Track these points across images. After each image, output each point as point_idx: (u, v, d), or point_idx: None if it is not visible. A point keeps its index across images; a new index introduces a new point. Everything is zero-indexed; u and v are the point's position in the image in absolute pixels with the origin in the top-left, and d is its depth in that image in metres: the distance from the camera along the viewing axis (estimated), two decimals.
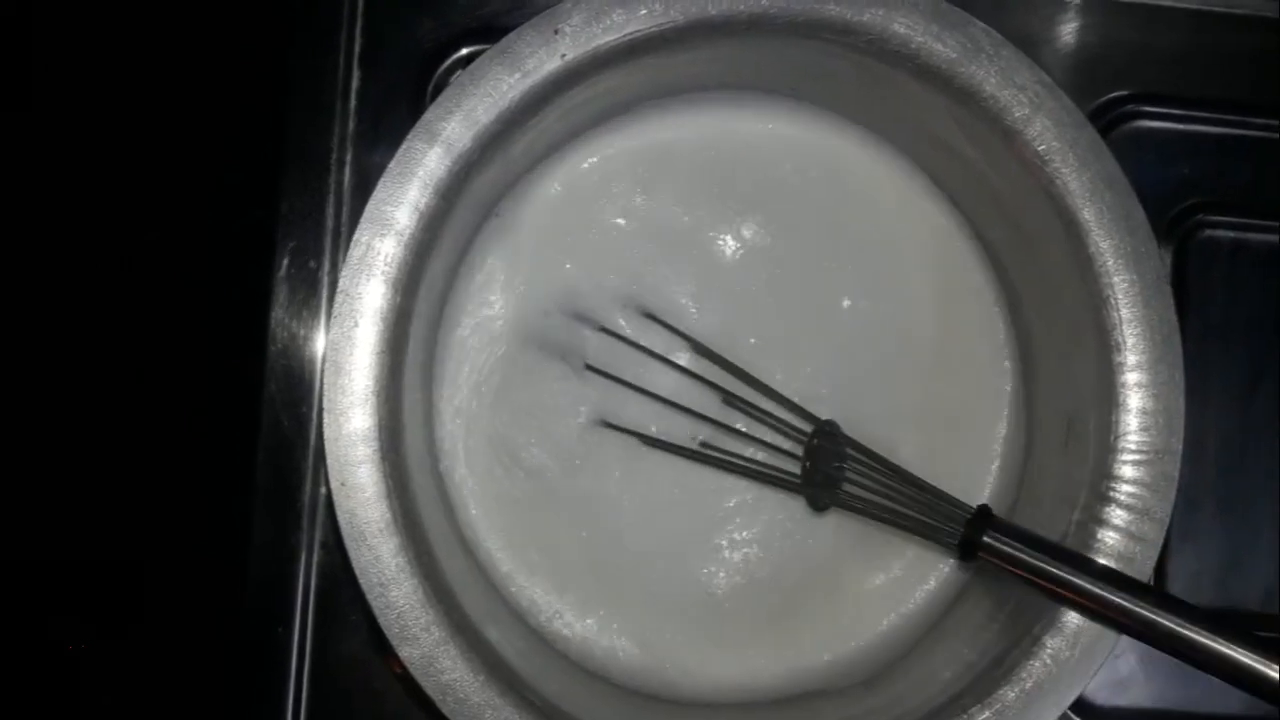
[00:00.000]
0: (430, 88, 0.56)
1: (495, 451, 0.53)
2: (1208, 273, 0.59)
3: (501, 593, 0.53)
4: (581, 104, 0.49)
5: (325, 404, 0.46)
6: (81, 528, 0.58)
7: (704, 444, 0.53)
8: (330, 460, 0.46)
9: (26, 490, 0.58)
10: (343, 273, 0.46)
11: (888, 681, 0.52)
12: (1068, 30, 0.59)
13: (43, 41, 0.59)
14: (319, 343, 0.55)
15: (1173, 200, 0.59)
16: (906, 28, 0.47)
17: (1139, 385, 0.47)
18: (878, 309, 0.55)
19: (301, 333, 0.55)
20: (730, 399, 0.53)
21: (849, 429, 0.52)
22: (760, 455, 0.53)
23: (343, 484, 0.45)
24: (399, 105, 0.56)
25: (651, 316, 0.53)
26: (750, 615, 0.54)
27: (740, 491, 0.54)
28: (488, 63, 0.46)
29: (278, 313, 0.55)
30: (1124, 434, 0.47)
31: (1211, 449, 0.58)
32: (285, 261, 0.55)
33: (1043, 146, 0.48)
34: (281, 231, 0.56)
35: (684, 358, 0.54)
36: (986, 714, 0.47)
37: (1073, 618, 0.47)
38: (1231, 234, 0.59)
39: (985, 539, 0.46)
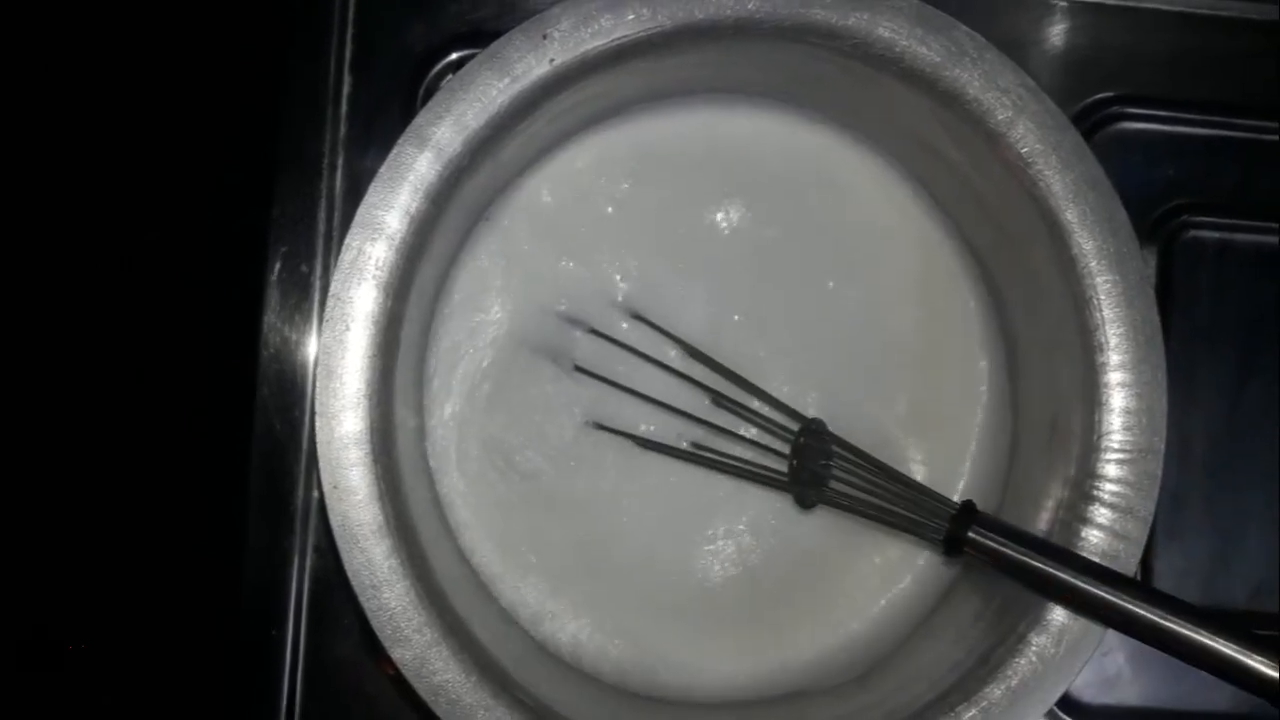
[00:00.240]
0: (421, 92, 0.57)
1: (488, 454, 0.54)
2: (1193, 274, 0.60)
3: (494, 594, 0.53)
4: (570, 108, 0.50)
5: (317, 408, 0.46)
6: (76, 530, 0.58)
7: (694, 444, 0.54)
8: (322, 463, 0.46)
9: (23, 492, 0.58)
10: (334, 277, 0.46)
11: (876, 679, 0.52)
12: (1054, 32, 0.59)
13: (39, 47, 0.59)
14: (311, 347, 0.55)
15: (1158, 201, 0.59)
16: (891, 32, 0.48)
17: (1122, 385, 0.48)
18: (862, 309, 0.55)
19: (293, 336, 0.55)
20: (719, 399, 0.53)
21: (835, 427, 0.52)
22: (749, 454, 0.54)
23: (335, 487, 0.46)
24: (390, 110, 0.57)
25: (641, 318, 0.54)
26: (740, 615, 0.54)
27: (730, 491, 0.54)
28: (477, 68, 0.47)
29: (270, 317, 0.56)
30: (1107, 433, 0.48)
31: (1198, 449, 0.59)
32: (277, 265, 0.56)
33: (1026, 149, 0.48)
34: (273, 236, 0.56)
35: (674, 357, 0.54)
36: (973, 712, 0.47)
37: (1058, 615, 0.47)
38: (1217, 235, 0.60)
39: (970, 534, 0.47)
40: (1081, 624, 0.47)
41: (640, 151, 0.54)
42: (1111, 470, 0.48)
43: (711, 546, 0.55)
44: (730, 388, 0.53)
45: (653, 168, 0.54)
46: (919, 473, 0.54)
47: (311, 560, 0.55)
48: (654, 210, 0.55)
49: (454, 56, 0.57)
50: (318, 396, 0.46)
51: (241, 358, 0.56)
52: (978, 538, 0.47)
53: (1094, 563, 0.46)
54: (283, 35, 0.57)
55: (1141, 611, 0.44)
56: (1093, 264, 0.48)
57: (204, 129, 0.59)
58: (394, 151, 0.46)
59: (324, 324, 0.46)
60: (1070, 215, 0.48)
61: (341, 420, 0.46)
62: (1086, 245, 0.48)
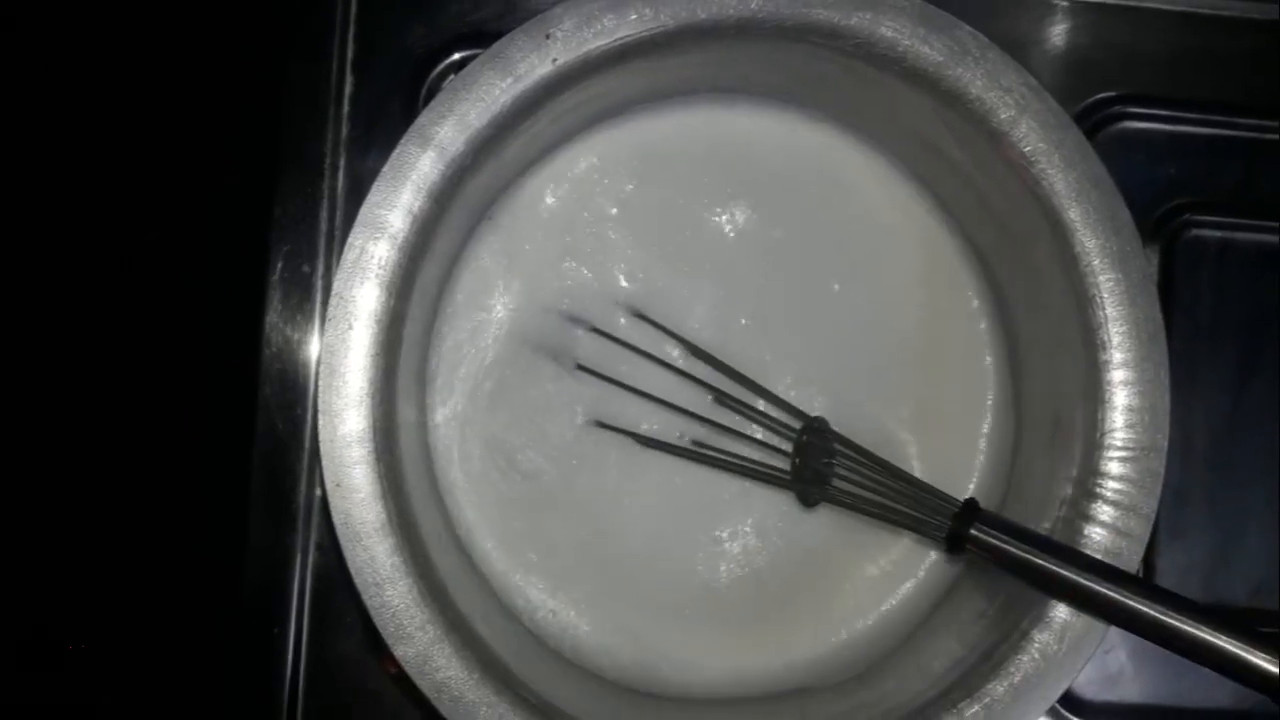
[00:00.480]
0: (423, 93, 0.57)
1: (490, 453, 0.54)
2: (1195, 272, 0.60)
3: (496, 592, 0.53)
4: (573, 107, 0.50)
5: (320, 406, 0.46)
6: (78, 530, 0.58)
7: (696, 442, 0.54)
8: (325, 461, 0.46)
9: (25, 492, 0.58)
10: (337, 275, 0.46)
11: (878, 676, 0.52)
12: (1056, 32, 0.59)
13: (39, 48, 0.59)
14: (313, 346, 0.55)
15: (1160, 200, 0.59)
16: (894, 31, 0.48)
17: (1125, 383, 0.48)
18: (865, 308, 0.55)
19: (296, 336, 0.56)
20: (721, 398, 0.53)
21: (837, 425, 0.52)
22: (752, 452, 0.54)
23: (338, 485, 0.46)
24: (392, 110, 0.57)
25: (643, 316, 0.54)
26: (742, 612, 0.55)
27: (732, 489, 0.54)
28: (480, 67, 0.47)
29: (272, 316, 0.56)
30: (1110, 431, 0.48)
31: (1200, 447, 0.59)
32: (279, 265, 0.56)
33: (1029, 147, 0.48)
34: (275, 235, 0.56)
35: (676, 356, 0.54)
36: (975, 708, 0.47)
37: (1060, 612, 0.47)
38: (1219, 234, 0.60)
39: (972, 532, 0.47)
40: (1084, 621, 0.47)
41: (642, 151, 0.54)
42: (1114, 468, 0.48)
43: (715, 547, 0.55)
44: (733, 386, 0.53)
45: (655, 167, 0.55)
46: (921, 471, 0.54)
47: (313, 558, 0.55)
48: (656, 209, 0.55)
49: (456, 57, 0.57)
50: (320, 395, 0.46)
51: (243, 357, 0.56)
52: (980, 535, 0.47)
53: (1097, 560, 0.46)
54: (284, 35, 0.57)
55: (1144, 608, 0.44)
56: (1095, 262, 0.48)
57: (205, 129, 0.59)
58: (397, 151, 0.47)
59: (327, 322, 0.46)
60: (1073, 214, 0.48)
61: (344, 418, 0.46)
62: (1089, 244, 0.48)
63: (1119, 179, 0.49)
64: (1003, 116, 0.48)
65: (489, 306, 0.54)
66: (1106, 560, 0.47)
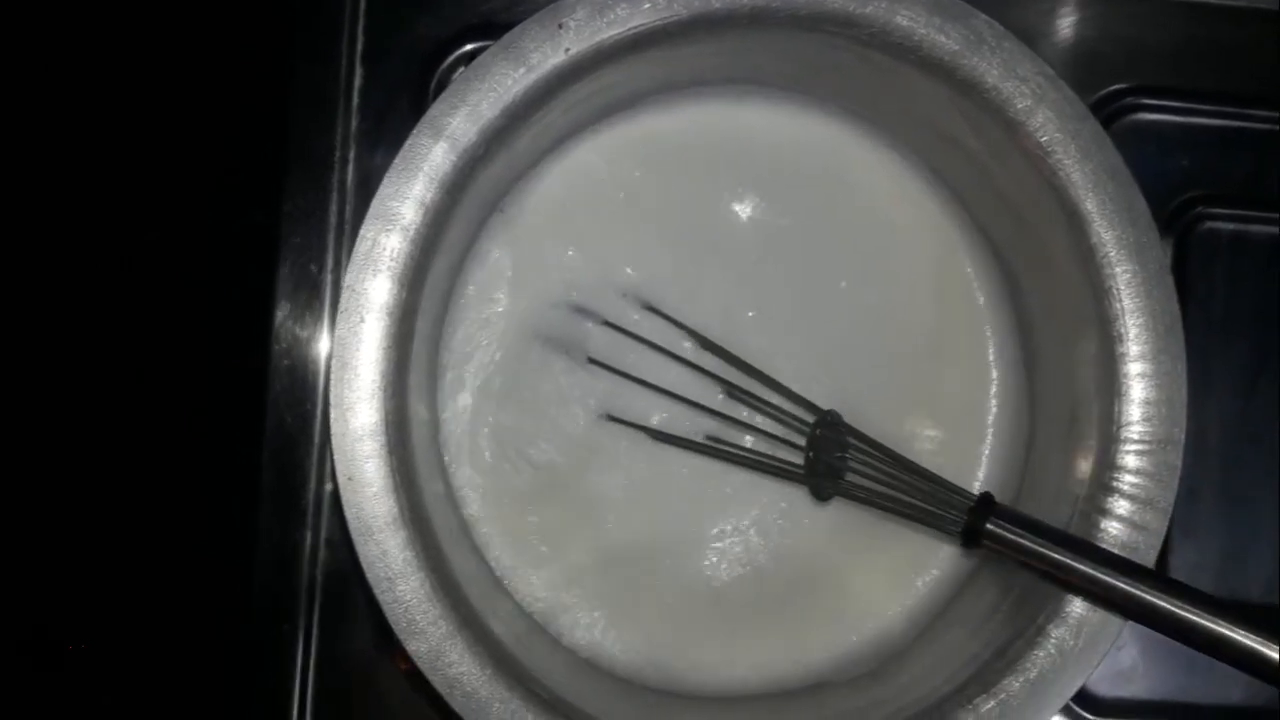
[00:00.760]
0: (433, 85, 0.57)
1: (501, 447, 0.54)
2: (1208, 265, 0.59)
3: (507, 587, 0.53)
4: (585, 98, 0.50)
5: (332, 399, 0.46)
6: (87, 527, 0.58)
7: (708, 436, 0.54)
8: (337, 455, 0.46)
9: (34, 491, 0.58)
10: (348, 268, 0.46)
11: (893, 672, 0.52)
12: (1067, 24, 0.59)
13: (46, 39, 0.59)
14: (323, 340, 0.55)
15: (1173, 193, 0.59)
16: (909, 20, 0.48)
17: (1141, 375, 0.48)
18: (878, 299, 0.55)
19: (305, 331, 0.55)
20: (733, 391, 0.53)
21: (851, 419, 0.52)
22: (764, 446, 0.53)
23: (350, 478, 0.46)
24: (401, 103, 0.56)
25: (654, 310, 0.54)
26: (755, 608, 0.54)
27: (745, 482, 0.54)
28: (492, 58, 0.47)
29: (281, 311, 0.55)
30: (1126, 424, 0.48)
31: (1213, 441, 0.58)
32: (288, 259, 0.56)
33: (1045, 138, 0.48)
34: (285, 230, 0.56)
35: (688, 349, 0.54)
36: (991, 704, 0.47)
37: (1077, 607, 0.47)
38: (1231, 226, 0.60)
39: (988, 526, 0.46)
40: (1100, 616, 0.47)
41: (654, 143, 0.54)
42: (1131, 461, 0.47)
43: (722, 543, 0.54)
44: (744, 379, 0.53)
45: (667, 159, 0.54)
46: (934, 466, 0.53)
47: (323, 555, 0.55)
48: (668, 202, 0.54)
49: (466, 48, 0.57)
50: (332, 388, 0.46)
51: (252, 353, 0.55)
52: (996, 529, 0.46)
53: (1113, 554, 0.46)
54: (292, 28, 0.57)
55: (1161, 603, 0.44)
56: (1112, 253, 0.47)
57: (213, 123, 0.59)
58: (409, 142, 0.46)
59: (338, 315, 0.46)
60: (1089, 204, 0.48)
61: (356, 412, 0.46)
62: (1106, 235, 0.47)
63: (1131, 171, 0.48)
64: (1019, 106, 0.48)
65: (499, 300, 0.54)
66: (1123, 554, 0.46)
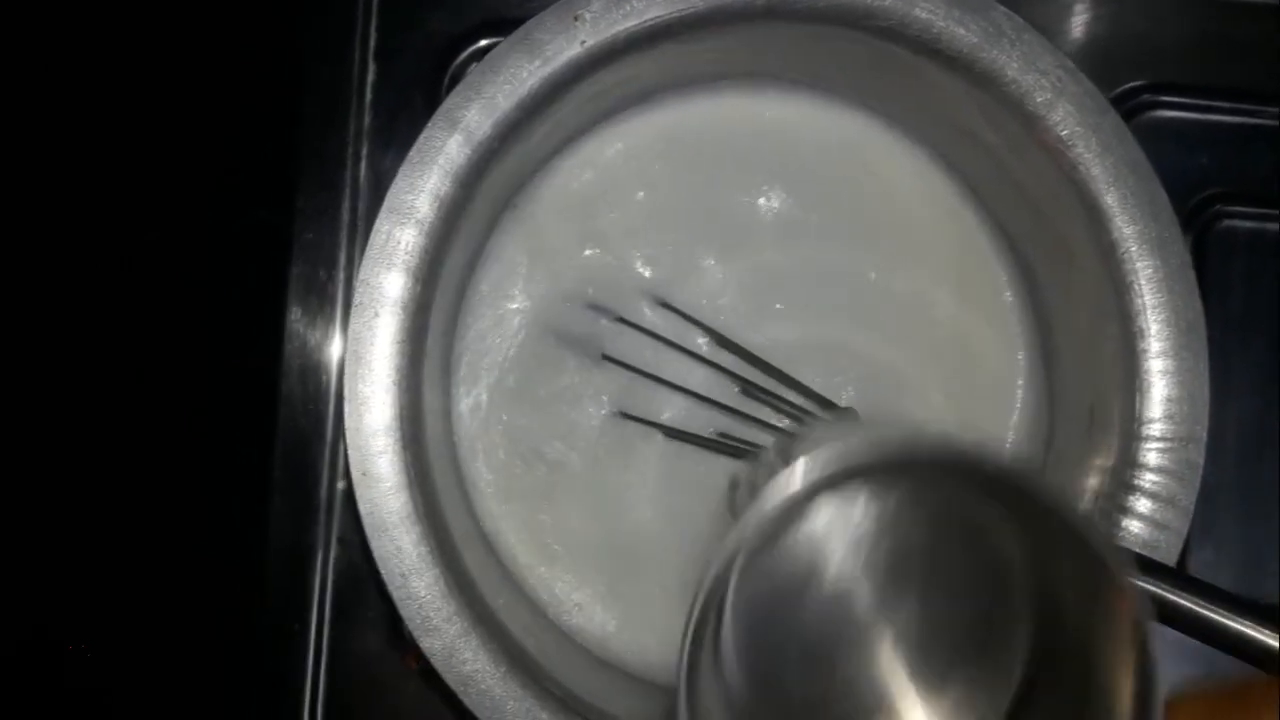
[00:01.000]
0: (445, 81, 0.56)
1: (515, 444, 0.53)
2: (1228, 263, 0.59)
3: (521, 584, 0.53)
4: (600, 92, 0.49)
5: (346, 393, 0.46)
6: (99, 528, 0.58)
7: (722, 434, 0.53)
8: (351, 451, 0.45)
9: (45, 492, 0.58)
10: (363, 262, 0.46)
11: None
12: (1084, 20, 0.58)
13: (57, 27, 0.59)
14: (335, 338, 0.55)
15: (1192, 190, 0.58)
16: (928, 13, 0.47)
17: (1163, 372, 0.47)
18: (895, 296, 0.55)
19: (317, 329, 0.55)
20: (749, 388, 0.53)
21: (867, 415, 0.51)
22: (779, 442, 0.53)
23: (364, 474, 0.45)
24: (414, 100, 0.56)
25: (669, 306, 0.53)
26: None
27: None
28: (507, 50, 0.46)
29: (293, 309, 0.55)
30: (1148, 421, 0.47)
31: (1231, 440, 0.58)
32: (300, 257, 0.55)
33: (1065, 131, 0.47)
34: (297, 227, 0.56)
35: (703, 346, 0.53)
36: None
37: None
38: (1250, 224, 0.59)
39: None
40: None
41: (670, 138, 0.54)
42: (1152, 459, 0.47)
43: None
44: (760, 376, 0.53)
45: (683, 154, 0.54)
46: None
47: (335, 553, 0.55)
48: (683, 197, 0.54)
49: (480, 44, 0.56)
50: (346, 383, 0.46)
51: (264, 351, 0.55)
52: None
53: (1135, 552, 0.45)
54: (305, 24, 0.57)
55: (1184, 602, 0.43)
56: (1133, 249, 0.47)
57: (226, 121, 0.59)
58: (424, 134, 0.46)
59: (352, 309, 0.46)
60: (1110, 199, 0.47)
61: (370, 407, 0.45)
62: (1127, 230, 0.47)
63: None
64: (1039, 99, 0.47)
65: (513, 296, 0.54)
66: (1144, 553, 0.46)
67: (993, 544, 0.36)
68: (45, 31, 0.59)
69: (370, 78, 0.56)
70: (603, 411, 0.54)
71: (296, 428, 0.55)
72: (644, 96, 0.53)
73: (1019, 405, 0.55)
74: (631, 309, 0.54)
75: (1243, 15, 0.59)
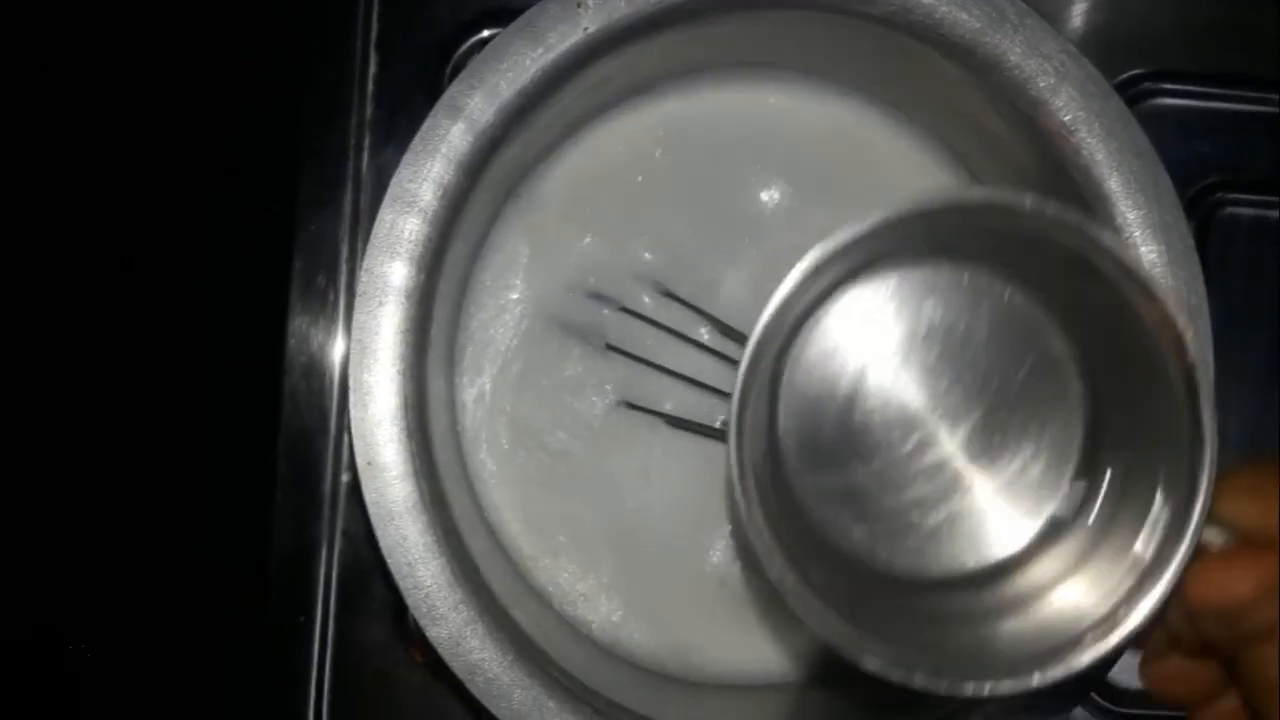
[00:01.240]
0: (448, 72, 0.56)
1: (519, 435, 0.53)
2: (1229, 252, 0.59)
3: (525, 574, 0.53)
4: (603, 81, 0.49)
5: (351, 383, 0.45)
6: (103, 522, 0.58)
7: (726, 423, 0.53)
8: (356, 440, 0.45)
9: (50, 490, 0.58)
10: (367, 251, 0.46)
11: None
12: (1084, 7, 0.58)
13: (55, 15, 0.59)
14: (338, 331, 0.55)
15: (1192, 178, 0.58)
16: None
17: None
18: None
19: (320, 322, 0.55)
20: None
21: None
22: None
23: (369, 463, 0.45)
24: (416, 91, 0.56)
25: (672, 295, 0.53)
26: (777, 595, 0.54)
27: None
28: (510, 38, 0.46)
29: (296, 301, 0.55)
30: None
31: (1233, 430, 0.58)
32: (303, 250, 0.55)
33: (1069, 116, 0.47)
34: (299, 220, 0.55)
35: (706, 335, 0.53)
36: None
37: None
38: (1252, 211, 0.59)
39: None
40: None
41: (672, 128, 0.54)
42: None
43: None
44: None
45: (685, 143, 0.54)
46: None
47: (340, 546, 0.55)
48: (685, 186, 0.54)
49: (482, 34, 0.56)
50: (351, 372, 0.45)
51: (267, 344, 0.55)
52: None
53: None
54: (306, 14, 0.57)
55: None
56: (1137, 233, 0.47)
57: (226, 113, 0.59)
58: (427, 122, 0.46)
59: (356, 299, 0.46)
60: (1114, 184, 0.47)
61: (375, 396, 0.45)
62: (1130, 215, 0.47)
63: None
64: (1042, 85, 0.47)
65: (516, 286, 0.54)
66: None
67: (1034, 324, 0.39)
68: (43, 28, 0.59)
69: (371, 69, 0.56)
70: (606, 401, 0.54)
71: (300, 421, 0.55)
72: (646, 85, 0.53)
73: None
74: (634, 298, 0.54)
75: (1244, 3, 0.59)
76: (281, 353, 0.55)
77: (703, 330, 0.54)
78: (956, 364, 0.39)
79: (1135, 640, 0.35)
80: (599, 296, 0.54)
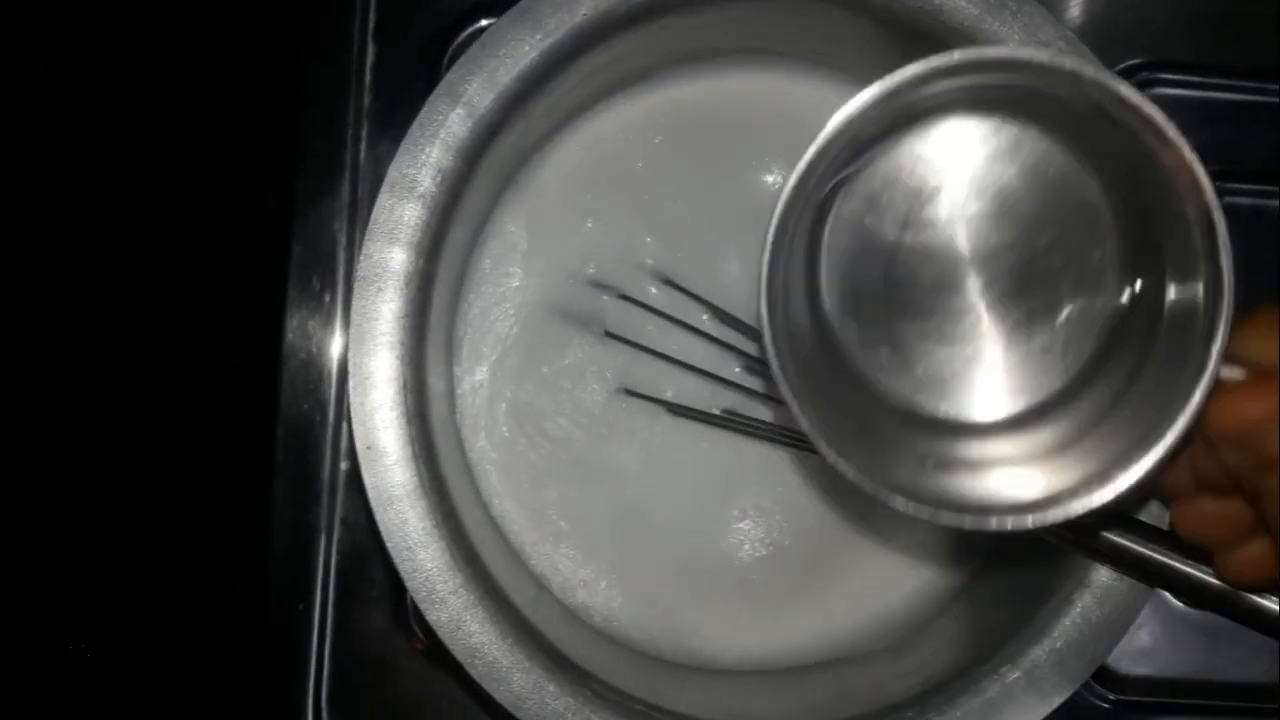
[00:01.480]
0: (445, 61, 0.56)
1: (519, 421, 0.53)
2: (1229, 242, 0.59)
3: (525, 560, 0.53)
4: (602, 67, 0.49)
5: (350, 368, 0.46)
6: (100, 514, 0.58)
7: (726, 410, 0.53)
8: (356, 424, 0.45)
9: (49, 491, 0.58)
10: (366, 236, 0.46)
11: (916, 644, 0.52)
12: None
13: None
14: (336, 320, 0.55)
15: None
16: None
17: None
18: None
19: (319, 311, 0.55)
20: (752, 364, 0.53)
21: None
22: (784, 420, 0.53)
23: (369, 447, 0.45)
24: (414, 80, 0.56)
25: (671, 282, 0.53)
26: (775, 582, 0.54)
27: (764, 456, 0.54)
28: (509, 24, 0.46)
29: (294, 290, 0.55)
30: None
31: None
32: (301, 239, 0.55)
33: None
34: (297, 209, 0.55)
35: (706, 322, 0.53)
36: (1017, 674, 0.46)
37: (1102, 575, 0.47)
38: (1251, 201, 0.59)
39: None
40: (1127, 584, 0.46)
41: (671, 114, 0.54)
42: None
43: (746, 518, 0.54)
44: (763, 352, 0.53)
45: (684, 131, 0.54)
46: None
47: (339, 534, 0.55)
48: (684, 175, 0.54)
49: (481, 24, 0.56)
50: (351, 357, 0.46)
51: (265, 333, 0.55)
52: None
53: (1139, 520, 0.45)
54: (305, 4, 0.56)
55: (1189, 569, 0.43)
56: None
57: (225, 103, 0.59)
58: (425, 108, 0.46)
59: (355, 284, 0.46)
60: None
61: (374, 381, 0.45)
62: None
63: None
64: None
65: (515, 274, 0.54)
66: (1149, 521, 0.46)
67: (1070, 175, 0.40)
68: (41, 25, 0.59)
69: (369, 59, 0.56)
70: (606, 388, 0.54)
71: (298, 410, 0.55)
72: (645, 72, 0.53)
73: None
74: (634, 285, 0.54)
75: None
76: (280, 341, 0.55)
77: (703, 316, 0.54)
78: (996, 214, 0.40)
79: (1164, 480, 0.38)
80: (599, 283, 0.54)
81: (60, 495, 0.58)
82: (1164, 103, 0.57)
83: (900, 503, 0.37)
